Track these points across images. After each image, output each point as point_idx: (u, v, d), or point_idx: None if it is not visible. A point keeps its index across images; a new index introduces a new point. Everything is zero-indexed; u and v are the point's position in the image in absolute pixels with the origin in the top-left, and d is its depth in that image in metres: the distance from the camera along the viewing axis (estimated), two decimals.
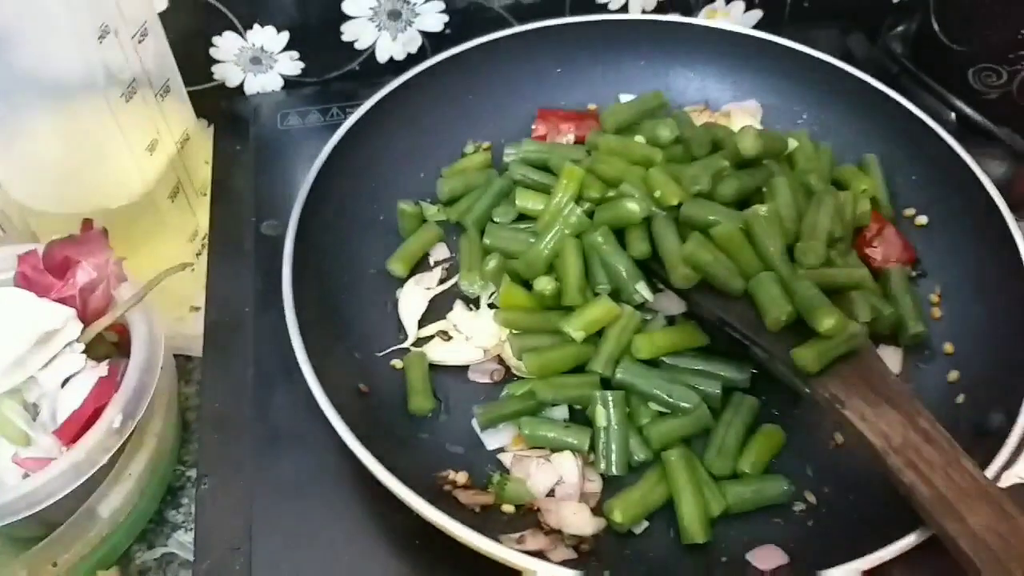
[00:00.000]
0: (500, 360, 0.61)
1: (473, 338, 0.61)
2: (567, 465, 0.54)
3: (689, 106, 0.74)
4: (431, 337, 0.63)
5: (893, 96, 0.69)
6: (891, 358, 0.61)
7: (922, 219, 0.67)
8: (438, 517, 0.46)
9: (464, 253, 0.65)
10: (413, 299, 0.64)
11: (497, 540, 0.46)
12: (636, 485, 0.53)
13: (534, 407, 0.57)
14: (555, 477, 0.54)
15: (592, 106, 0.75)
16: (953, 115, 0.76)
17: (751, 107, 0.74)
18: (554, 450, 0.55)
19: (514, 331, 0.60)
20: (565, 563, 0.47)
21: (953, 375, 0.59)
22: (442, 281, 0.66)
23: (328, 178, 0.63)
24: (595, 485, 0.55)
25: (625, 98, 0.74)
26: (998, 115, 0.75)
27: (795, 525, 0.53)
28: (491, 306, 0.64)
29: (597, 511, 0.53)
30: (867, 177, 0.67)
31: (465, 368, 0.61)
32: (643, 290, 0.58)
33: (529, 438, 0.55)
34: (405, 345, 0.62)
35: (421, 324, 0.63)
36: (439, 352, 0.61)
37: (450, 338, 0.62)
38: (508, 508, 0.53)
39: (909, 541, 0.46)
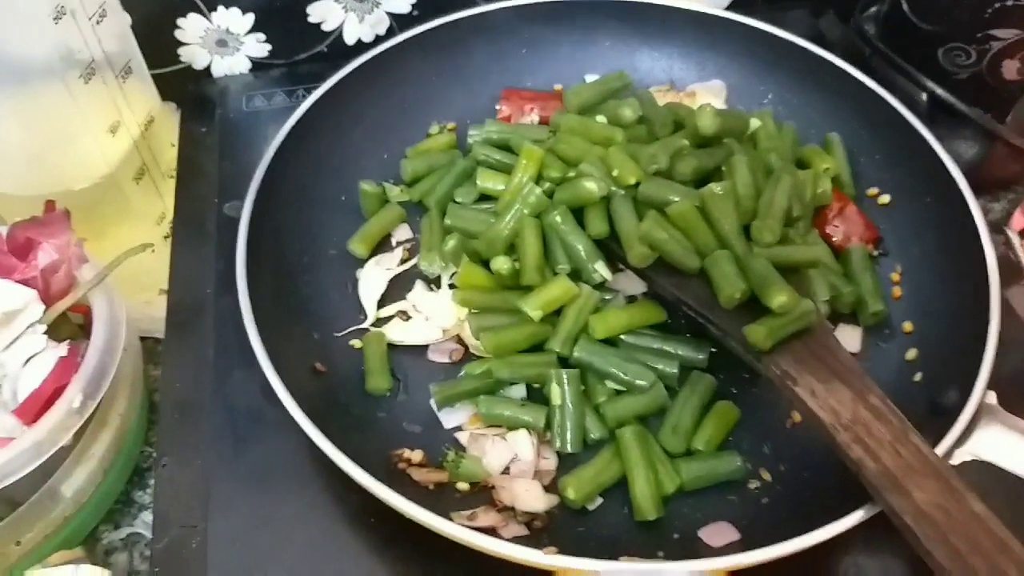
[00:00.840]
0: (459, 340, 0.61)
1: (432, 318, 0.62)
2: (522, 443, 0.55)
3: (655, 86, 0.74)
4: (391, 317, 0.63)
5: (858, 76, 0.69)
6: (851, 336, 0.61)
7: (885, 198, 0.67)
8: (388, 495, 0.46)
9: (425, 233, 0.65)
10: (373, 279, 0.64)
11: (448, 518, 0.47)
12: (590, 463, 0.54)
13: (491, 386, 0.57)
14: (510, 455, 0.54)
15: (557, 86, 0.75)
16: (924, 96, 0.76)
17: (716, 87, 0.74)
18: (510, 428, 0.56)
19: (473, 311, 0.60)
20: (516, 539, 0.47)
21: (911, 353, 0.60)
22: (403, 261, 0.66)
23: (287, 158, 0.63)
24: (550, 463, 0.55)
25: (591, 79, 0.74)
26: (968, 95, 0.74)
27: (749, 503, 0.54)
28: (451, 286, 0.64)
29: (552, 488, 0.54)
30: (829, 156, 0.67)
31: (425, 348, 0.61)
32: (602, 269, 0.58)
33: (485, 416, 0.56)
34: (364, 325, 0.62)
35: (381, 304, 0.64)
36: (398, 332, 0.61)
37: (409, 318, 0.62)
38: (463, 486, 0.53)
39: (854, 519, 0.47)
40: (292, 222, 0.63)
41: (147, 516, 0.60)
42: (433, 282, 0.65)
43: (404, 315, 0.63)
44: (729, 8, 0.77)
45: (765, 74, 0.72)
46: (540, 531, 0.50)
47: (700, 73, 0.74)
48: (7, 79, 0.59)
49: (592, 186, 0.58)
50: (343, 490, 0.52)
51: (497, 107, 0.72)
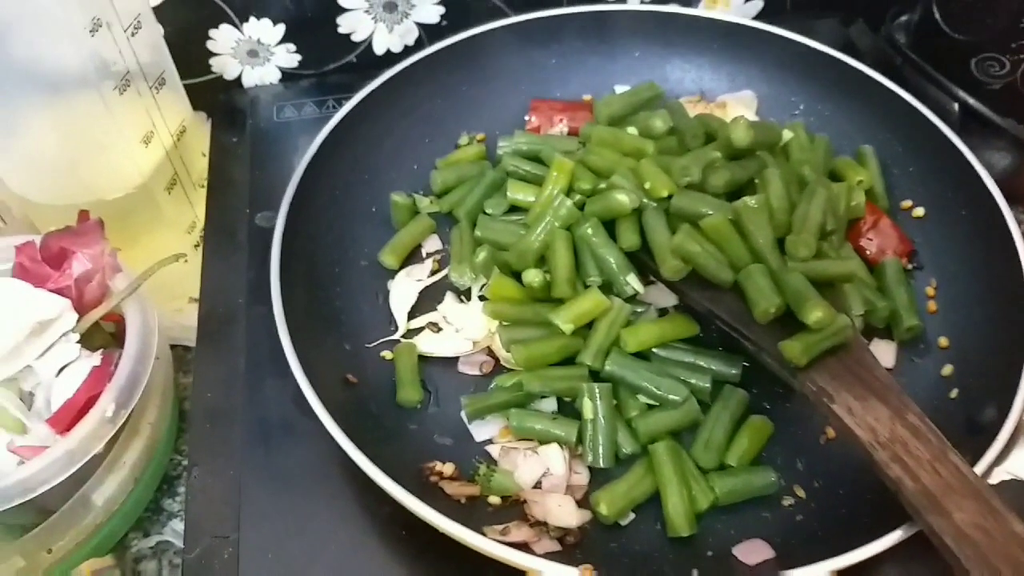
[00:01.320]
0: (490, 352, 0.61)
1: (463, 330, 0.61)
2: (554, 457, 0.54)
3: (685, 97, 0.74)
4: (421, 329, 0.63)
5: (890, 87, 0.68)
6: (885, 352, 0.61)
7: (919, 211, 0.66)
8: (421, 508, 0.46)
9: (456, 245, 0.65)
10: (404, 290, 0.64)
11: (481, 532, 0.46)
12: (623, 478, 0.53)
13: (522, 399, 0.57)
14: (542, 469, 0.54)
15: (587, 97, 0.75)
16: (956, 106, 0.75)
17: (747, 97, 0.73)
18: (542, 442, 0.55)
19: (504, 323, 0.60)
20: (549, 555, 0.47)
21: (947, 369, 0.59)
22: (433, 273, 0.66)
23: (319, 169, 0.63)
24: (582, 477, 0.55)
25: (620, 89, 0.74)
26: (1001, 105, 0.74)
27: (783, 520, 0.53)
28: (482, 298, 0.64)
29: (584, 503, 0.53)
30: (863, 168, 0.67)
31: (455, 360, 0.61)
32: (634, 282, 0.58)
33: (517, 430, 0.56)
34: (395, 336, 0.62)
35: (411, 316, 0.63)
36: (429, 343, 0.61)
37: (440, 329, 0.62)
38: (494, 500, 0.53)
39: (893, 538, 0.46)
40: (324, 233, 0.63)
41: (176, 524, 0.60)
42: (463, 294, 0.65)
43: (435, 327, 0.63)
44: (758, 17, 0.76)
45: (796, 85, 0.72)
46: (572, 547, 0.50)
47: (731, 84, 0.74)
48: (44, 90, 0.59)
49: (624, 198, 0.57)
50: (374, 502, 0.52)
51: (526, 118, 0.72)
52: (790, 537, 0.51)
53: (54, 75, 0.59)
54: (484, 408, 0.57)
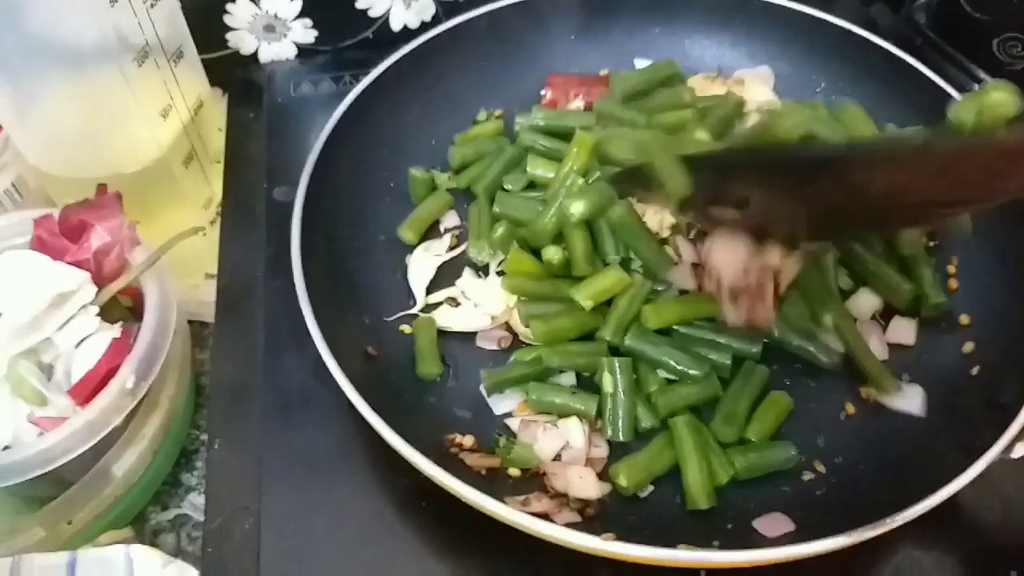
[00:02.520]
0: (508, 327, 0.61)
1: (481, 305, 0.61)
2: (574, 430, 0.54)
3: (703, 73, 0.74)
4: (440, 303, 0.63)
5: (916, 65, 0.67)
6: (906, 329, 0.61)
7: None
8: (445, 478, 0.46)
9: (474, 220, 0.65)
10: (422, 265, 0.64)
11: (502, 501, 0.46)
12: (643, 451, 0.53)
13: (541, 373, 0.57)
14: (561, 442, 0.54)
15: (604, 72, 0.74)
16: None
17: (763, 73, 0.73)
18: (561, 416, 0.56)
19: (522, 298, 0.60)
20: (569, 526, 0.47)
21: (968, 347, 0.59)
22: (452, 248, 0.66)
23: (338, 144, 0.63)
24: (601, 451, 0.55)
25: (640, 64, 0.73)
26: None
27: (803, 494, 0.53)
28: (500, 273, 0.63)
29: (603, 476, 0.53)
30: None
31: (474, 334, 0.61)
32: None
33: (536, 403, 0.56)
34: (414, 311, 0.62)
35: (430, 290, 0.64)
36: (447, 318, 0.61)
37: (458, 304, 0.62)
38: (514, 472, 0.53)
39: (913, 513, 0.46)
40: (343, 208, 0.63)
41: (194, 498, 0.60)
42: (481, 269, 0.65)
43: (453, 301, 0.63)
44: None
45: (818, 63, 0.71)
46: (593, 519, 0.50)
47: (751, 60, 0.73)
48: (63, 63, 0.59)
49: (704, 135, 0.58)
50: (393, 474, 0.53)
51: (542, 92, 0.72)
52: (810, 511, 0.51)
53: (74, 48, 0.58)
54: (503, 382, 0.57)
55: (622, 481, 0.52)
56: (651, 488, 0.53)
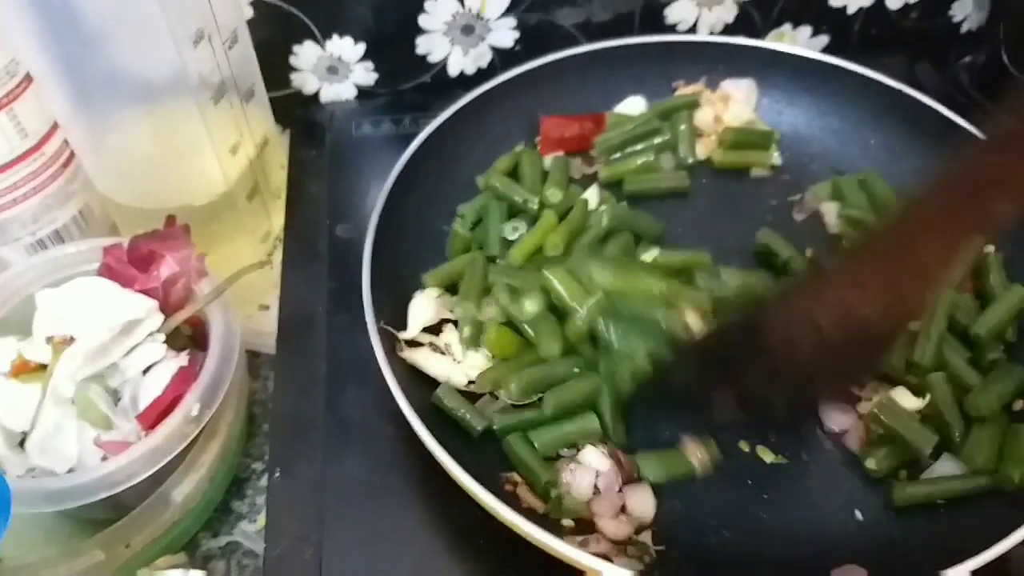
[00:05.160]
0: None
1: (462, 364, 0.60)
2: (593, 457, 0.55)
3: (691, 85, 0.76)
4: (423, 345, 0.61)
5: (960, 123, 0.69)
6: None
7: (989, 249, 0.67)
8: (510, 515, 0.47)
9: (467, 277, 0.63)
10: (426, 307, 0.62)
11: (561, 539, 0.47)
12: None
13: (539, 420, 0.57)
14: (591, 474, 0.54)
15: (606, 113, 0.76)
16: None
17: (745, 86, 0.76)
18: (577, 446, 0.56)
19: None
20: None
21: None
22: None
23: (404, 185, 0.64)
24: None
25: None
26: None
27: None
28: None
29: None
30: None
31: None
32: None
33: (548, 449, 0.56)
34: (403, 337, 0.60)
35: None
36: (426, 360, 0.59)
37: (442, 353, 0.61)
38: (568, 523, 0.53)
39: None
40: (405, 247, 0.64)
41: (245, 526, 0.61)
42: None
43: (436, 348, 0.61)
44: (823, 52, 0.78)
45: (868, 119, 0.73)
46: (650, 567, 0.50)
47: (806, 116, 0.75)
48: (143, 96, 0.62)
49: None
50: (453, 509, 0.53)
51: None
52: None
53: (154, 82, 0.61)
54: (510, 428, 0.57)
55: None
56: (725, 534, 0.53)
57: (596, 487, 0.55)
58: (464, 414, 0.56)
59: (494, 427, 0.56)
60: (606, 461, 0.55)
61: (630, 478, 0.55)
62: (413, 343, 0.61)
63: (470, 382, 0.59)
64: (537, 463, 0.54)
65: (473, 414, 0.56)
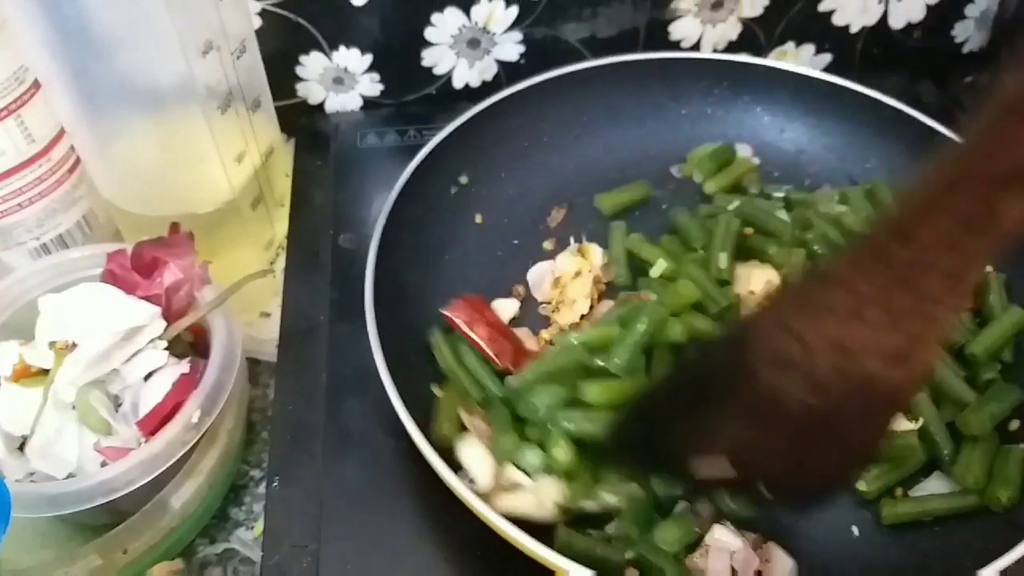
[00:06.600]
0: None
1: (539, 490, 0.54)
2: (723, 535, 0.52)
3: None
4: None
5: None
6: None
7: (989, 269, 0.67)
8: (508, 528, 0.47)
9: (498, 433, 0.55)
10: (478, 455, 0.55)
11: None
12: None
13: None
14: (725, 558, 0.51)
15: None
16: None
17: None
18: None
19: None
20: None
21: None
22: None
23: (409, 198, 0.64)
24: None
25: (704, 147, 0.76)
26: None
27: None
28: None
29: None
30: None
31: None
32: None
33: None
34: (480, 491, 0.52)
35: None
36: (516, 503, 0.53)
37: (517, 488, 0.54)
38: None
39: None
40: (408, 260, 0.64)
41: (242, 533, 0.61)
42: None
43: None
44: (826, 70, 0.78)
45: (870, 139, 0.73)
46: None
47: (808, 135, 0.75)
48: (150, 104, 0.62)
49: None
50: (450, 520, 0.53)
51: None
52: None
53: (162, 91, 0.61)
54: None
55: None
56: None
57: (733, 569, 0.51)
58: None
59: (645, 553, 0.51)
60: (736, 538, 0.51)
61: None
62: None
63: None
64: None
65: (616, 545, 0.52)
